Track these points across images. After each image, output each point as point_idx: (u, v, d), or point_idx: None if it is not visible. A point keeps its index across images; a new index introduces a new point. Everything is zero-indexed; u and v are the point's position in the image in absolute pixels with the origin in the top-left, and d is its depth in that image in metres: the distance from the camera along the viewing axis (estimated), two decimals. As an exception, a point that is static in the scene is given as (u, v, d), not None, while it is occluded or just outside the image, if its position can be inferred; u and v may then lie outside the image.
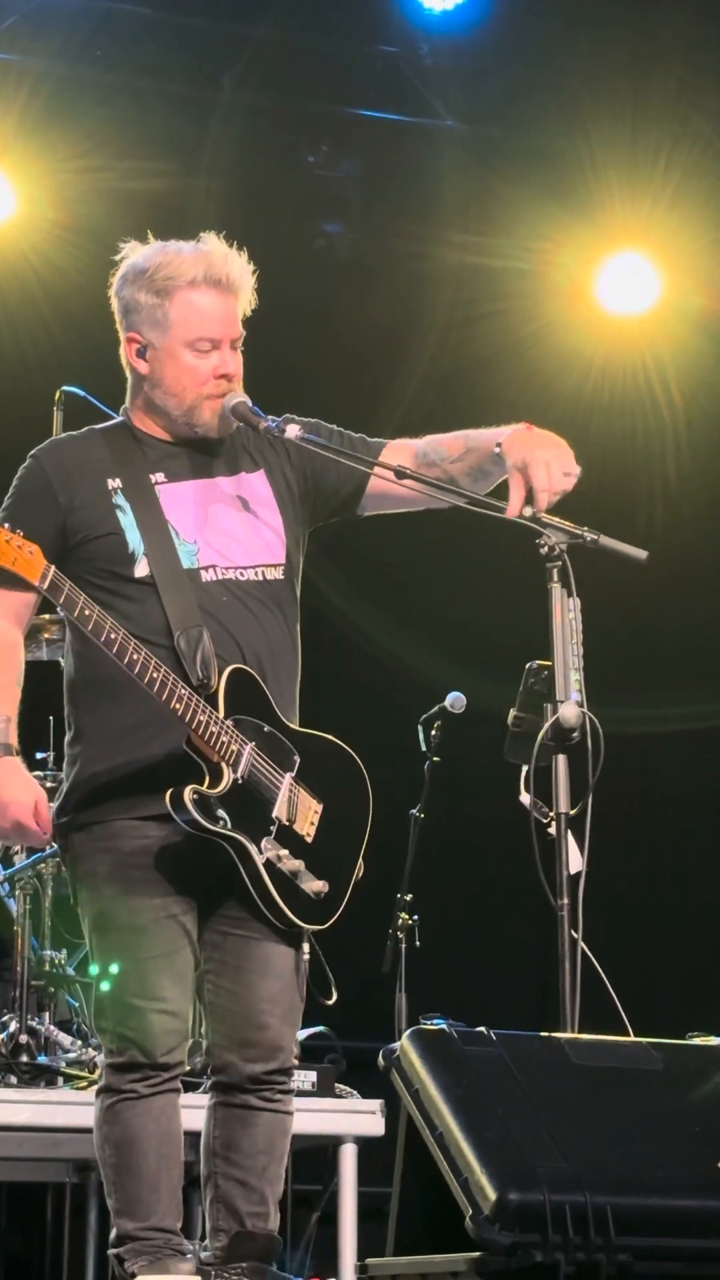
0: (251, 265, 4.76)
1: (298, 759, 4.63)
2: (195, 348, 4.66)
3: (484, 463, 4.76)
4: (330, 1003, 4.72)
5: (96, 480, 4.67)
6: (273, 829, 4.55)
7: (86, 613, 4.39)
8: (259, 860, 4.51)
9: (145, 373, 4.73)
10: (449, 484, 4.74)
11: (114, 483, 4.66)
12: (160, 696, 4.41)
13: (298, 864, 4.57)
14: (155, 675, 4.40)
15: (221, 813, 4.45)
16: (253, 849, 4.50)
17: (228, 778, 4.47)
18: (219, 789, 4.45)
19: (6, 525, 4.42)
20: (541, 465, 4.58)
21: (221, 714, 4.48)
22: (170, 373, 4.69)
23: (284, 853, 4.55)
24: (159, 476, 4.70)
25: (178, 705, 4.42)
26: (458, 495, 4.70)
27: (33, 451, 4.79)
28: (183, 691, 4.42)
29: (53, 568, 4.39)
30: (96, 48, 9.03)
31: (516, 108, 9.55)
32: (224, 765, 4.47)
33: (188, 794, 4.40)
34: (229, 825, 4.46)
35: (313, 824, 4.64)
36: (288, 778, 4.60)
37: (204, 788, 4.44)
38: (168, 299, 4.67)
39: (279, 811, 4.57)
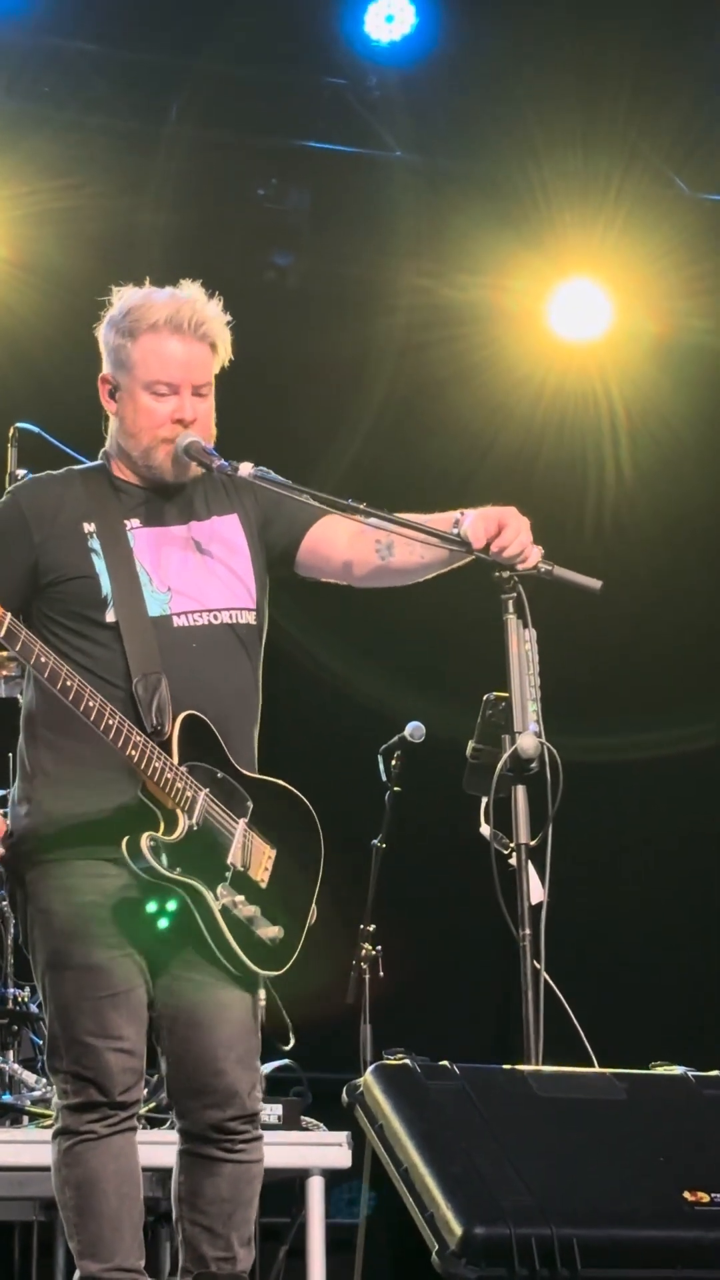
0: (227, 315, 4.77)
1: (251, 805, 4.62)
2: (153, 390, 4.68)
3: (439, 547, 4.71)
4: (287, 1048, 4.71)
5: (72, 522, 4.67)
6: (228, 875, 4.54)
7: (43, 660, 4.39)
8: (215, 907, 4.50)
9: (113, 412, 4.76)
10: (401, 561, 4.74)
11: (89, 526, 4.67)
12: (115, 744, 4.41)
13: (253, 910, 4.56)
14: (111, 722, 4.41)
15: (178, 860, 4.44)
16: (209, 895, 4.49)
17: (183, 824, 4.46)
18: (175, 836, 4.45)
19: None
20: (515, 526, 4.56)
21: (176, 760, 4.48)
22: (129, 413, 4.71)
23: (239, 899, 4.54)
24: (134, 522, 4.71)
25: (133, 752, 4.42)
26: (409, 528, 4.67)
27: (10, 488, 4.81)
28: (138, 738, 4.42)
29: (9, 615, 4.37)
30: (45, 84, 9.03)
31: (465, 137, 9.58)
32: (179, 812, 4.46)
33: (144, 842, 4.39)
34: (184, 872, 4.45)
35: (266, 869, 4.64)
36: (241, 823, 4.60)
37: (160, 834, 4.43)
38: (132, 340, 4.69)
39: (234, 857, 4.56)
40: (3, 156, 9.00)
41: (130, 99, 9.16)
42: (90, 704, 4.40)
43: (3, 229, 9.24)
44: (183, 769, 4.49)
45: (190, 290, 4.76)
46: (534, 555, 4.54)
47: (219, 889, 4.52)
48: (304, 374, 9.88)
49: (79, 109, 9.10)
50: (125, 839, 4.39)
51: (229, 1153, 4.57)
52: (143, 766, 4.43)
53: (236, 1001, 4.57)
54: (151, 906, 4.47)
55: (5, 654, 6.28)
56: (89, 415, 4.85)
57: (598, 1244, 3.64)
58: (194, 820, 4.48)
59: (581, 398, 10.18)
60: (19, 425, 6.96)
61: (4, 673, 6.64)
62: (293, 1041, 4.69)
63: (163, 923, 4.48)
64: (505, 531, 4.52)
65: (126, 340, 4.70)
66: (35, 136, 9.01)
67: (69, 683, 4.40)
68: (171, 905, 4.48)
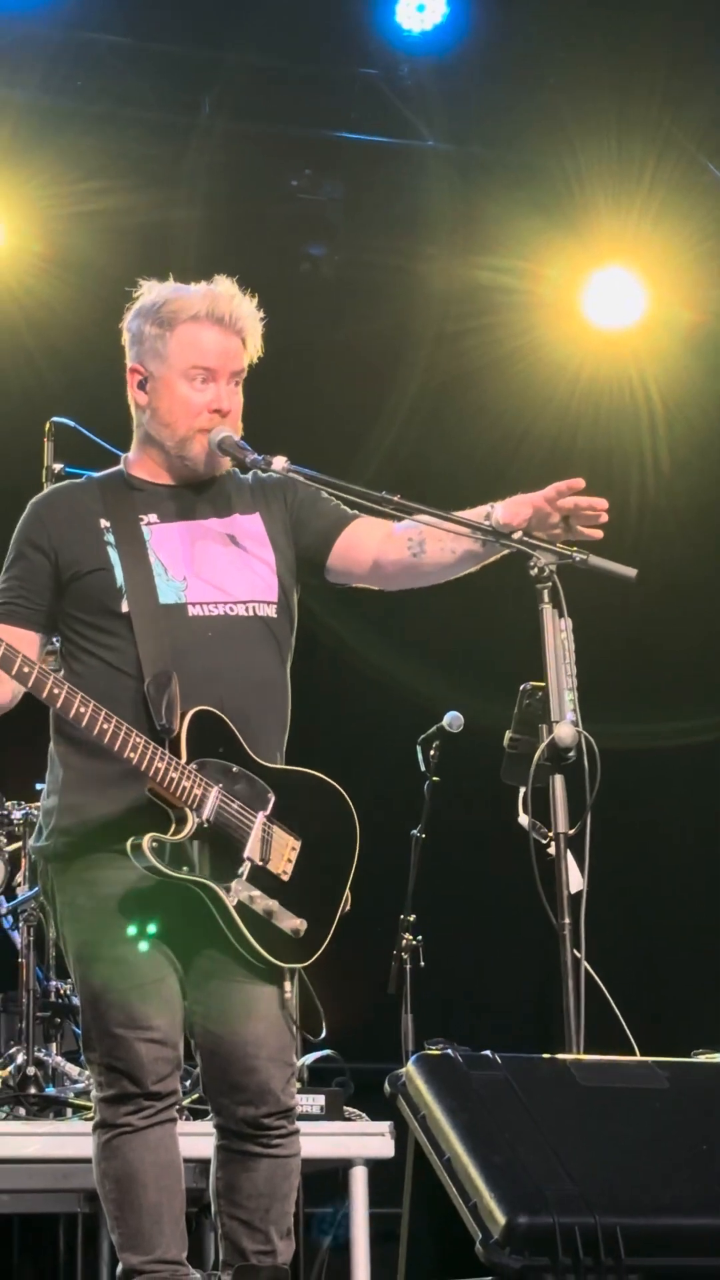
0: (261, 312, 4.78)
1: (273, 797, 4.61)
2: (191, 378, 4.69)
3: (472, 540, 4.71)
4: (317, 1040, 4.71)
5: (89, 520, 4.71)
6: (243, 870, 4.53)
7: (25, 670, 4.40)
8: (230, 903, 4.49)
9: (143, 404, 4.77)
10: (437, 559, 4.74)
11: (105, 523, 4.70)
12: (113, 748, 4.41)
13: (272, 903, 4.55)
14: (105, 727, 4.41)
15: (187, 858, 4.44)
16: (221, 892, 4.48)
17: (191, 823, 4.44)
18: (182, 834, 4.44)
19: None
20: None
21: (184, 759, 4.47)
22: (165, 403, 4.73)
23: (256, 893, 4.53)
24: (151, 518, 4.72)
25: (133, 754, 4.42)
26: (445, 519, 4.67)
27: (32, 500, 4.85)
28: (137, 740, 4.42)
29: None
30: (77, 78, 9.05)
31: (499, 125, 9.57)
32: (188, 810, 4.45)
33: (146, 843, 4.39)
34: (194, 870, 4.45)
35: (290, 861, 4.62)
36: (260, 817, 4.58)
37: (167, 834, 4.43)
38: (169, 330, 4.72)
39: (250, 852, 4.54)
40: (36, 152, 9.01)
41: (163, 93, 9.17)
42: (81, 710, 4.40)
43: (37, 225, 9.26)
44: (190, 767, 4.47)
45: (226, 285, 4.78)
46: (600, 503, 4.58)
47: (233, 885, 4.50)
48: (338, 364, 9.88)
49: (112, 103, 9.11)
50: (130, 841, 4.40)
51: (265, 1148, 4.57)
52: (144, 768, 4.43)
53: (266, 997, 4.57)
54: (131, 930, 4.49)
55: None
56: (124, 410, 4.87)
57: (641, 1232, 3.64)
58: (204, 818, 4.47)
59: (616, 386, 10.16)
60: (55, 420, 6.98)
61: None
62: (324, 1033, 4.69)
63: (143, 945, 4.49)
64: (539, 515, 4.53)
65: (164, 330, 4.72)
66: (68, 132, 9.03)
67: (56, 690, 4.41)
68: (151, 928, 4.49)
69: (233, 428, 4.72)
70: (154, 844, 4.39)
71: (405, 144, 9.62)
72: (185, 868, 4.44)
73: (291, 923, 4.57)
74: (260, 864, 4.56)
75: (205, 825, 4.47)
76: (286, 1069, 4.61)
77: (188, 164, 9.23)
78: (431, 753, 7.70)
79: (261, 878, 4.56)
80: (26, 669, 4.39)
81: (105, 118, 9.09)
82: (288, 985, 4.60)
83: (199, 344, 4.70)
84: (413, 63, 9.41)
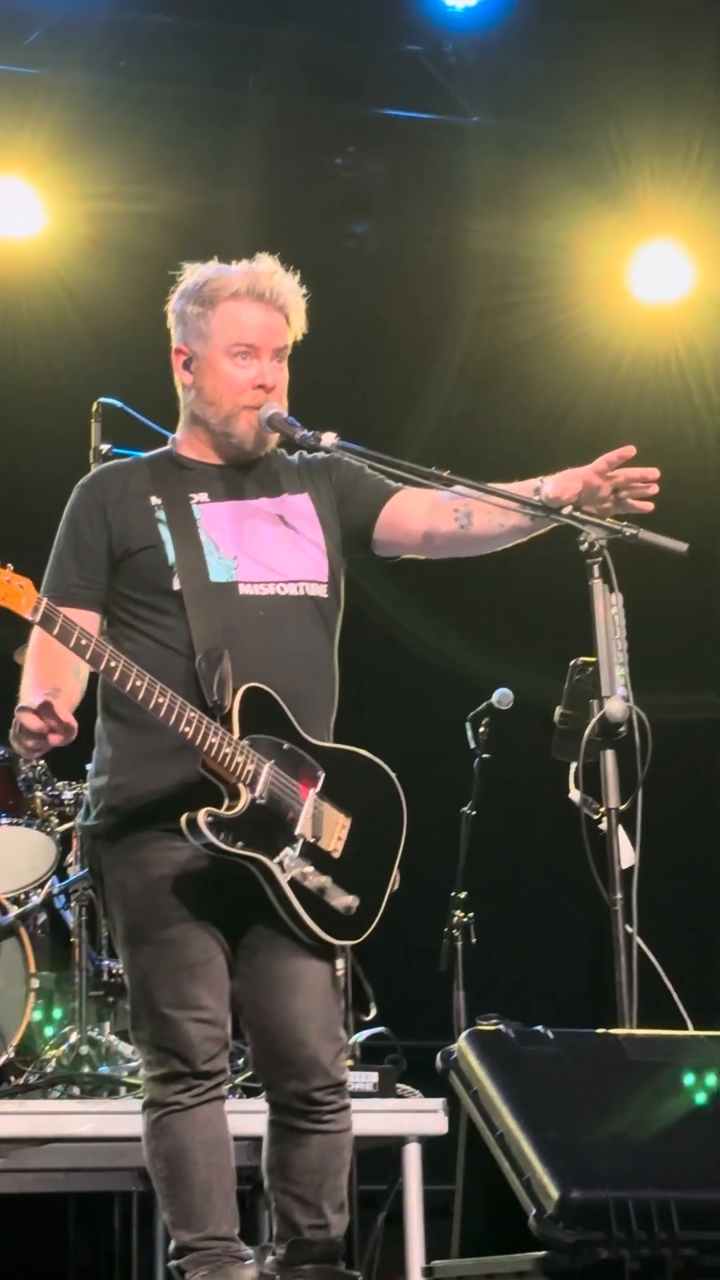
0: (303, 289, 4.78)
1: (322, 774, 4.61)
2: (234, 355, 4.69)
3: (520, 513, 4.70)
4: (368, 1019, 4.71)
5: (140, 498, 4.71)
6: (296, 847, 4.53)
7: (83, 643, 4.39)
8: (283, 879, 4.49)
9: (189, 384, 4.77)
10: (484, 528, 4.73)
11: (155, 500, 4.70)
12: (168, 721, 4.40)
13: (324, 880, 4.54)
14: (161, 700, 4.40)
15: (241, 834, 4.45)
16: (275, 868, 4.48)
17: (245, 798, 4.45)
18: (236, 810, 4.44)
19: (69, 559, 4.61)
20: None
21: (236, 735, 4.47)
22: (209, 381, 4.73)
23: (309, 870, 4.52)
24: (201, 496, 4.72)
25: (187, 729, 4.41)
26: (492, 495, 4.66)
27: (81, 481, 4.85)
28: (191, 715, 4.41)
29: (44, 600, 4.37)
30: (121, 58, 9.06)
31: (543, 100, 9.54)
32: (241, 786, 4.45)
33: (201, 817, 4.39)
34: (248, 845, 4.45)
35: (340, 838, 4.62)
36: (311, 793, 4.58)
37: (220, 810, 4.44)
38: (211, 309, 4.72)
39: (302, 829, 4.54)
40: (81, 133, 9.01)
41: (207, 72, 9.18)
42: (138, 684, 4.39)
43: (82, 206, 9.27)
44: (243, 743, 4.47)
45: (267, 263, 4.78)
46: (652, 473, 4.55)
47: (286, 861, 4.50)
48: (383, 341, 9.88)
49: (156, 83, 9.12)
50: (184, 816, 4.39)
51: (316, 1123, 4.56)
52: (199, 743, 4.42)
53: (314, 971, 4.56)
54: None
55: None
56: (169, 390, 4.87)
57: (695, 1207, 3.65)
58: (257, 794, 4.47)
59: (662, 361, 10.10)
60: (102, 400, 6.99)
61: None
62: (374, 1012, 4.69)
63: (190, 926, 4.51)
64: (588, 490, 4.52)
65: (206, 309, 4.72)
66: (111, 112, 9.03)
67: (113, 663, 4.40)
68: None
69: (278, 403, 4.72)
70: (209, 819, 4.39)
71: (449, 120, 9.60)
72: (240, 843, 4.44)
73: (344, 900, 4.57)
74: (312, 840, 4.56)
75: (258, 801, 4.47)
76: (336, 1043, 4.60)
77: (230, 142, 9.23)
78: (481, 730, 7.69)
79: (313, 854, 4.56)
80: (85, 641, 4.39)
81: (149, 98, 9.10)
82: (339, 963, 4.60)
83: (240, 321, 4.70)
84: (456, 39, 9.41)
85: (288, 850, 4.52)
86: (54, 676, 4.54)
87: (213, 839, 4.39)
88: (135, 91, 9.11)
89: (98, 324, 9.13)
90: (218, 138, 9.29)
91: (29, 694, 4.50)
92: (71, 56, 8.98)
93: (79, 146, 9.04)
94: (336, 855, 4.61)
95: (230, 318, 4.70)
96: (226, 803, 4.44)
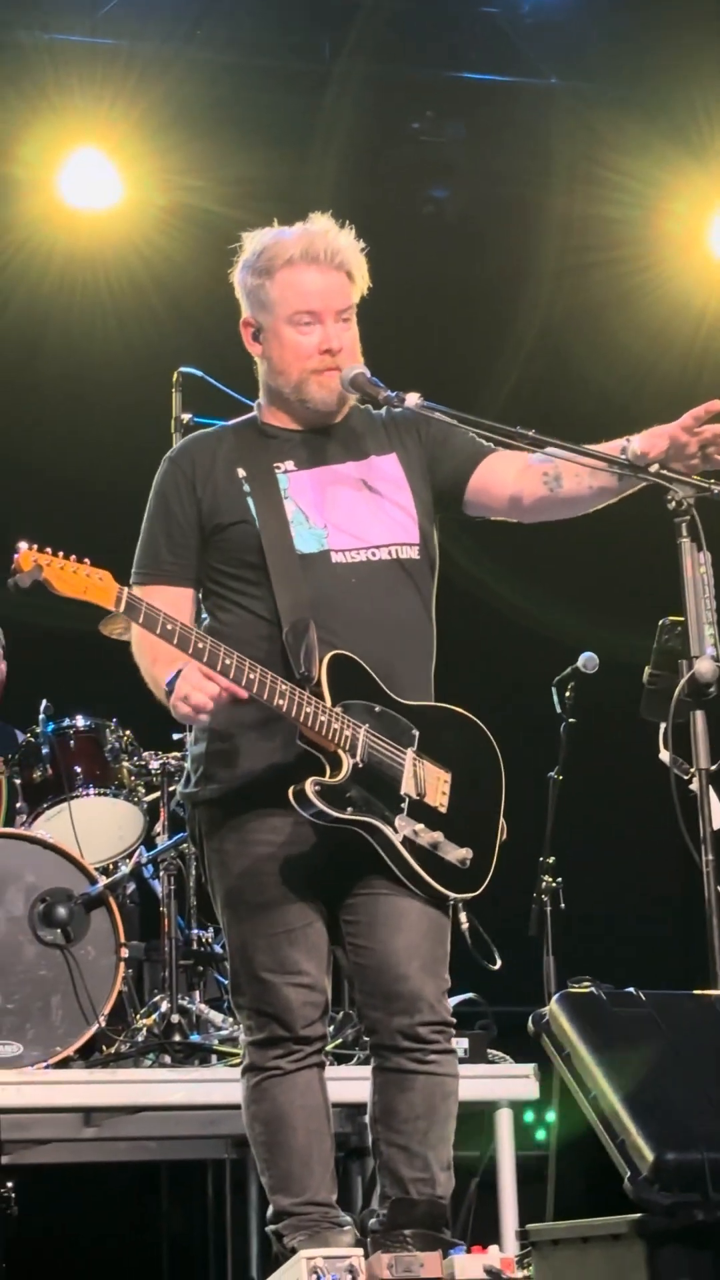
0: (361, 242, 4.74)
1: (416, 733, 4.59)
2: (296, 323, 4.66)
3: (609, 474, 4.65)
4: (495, 967, 4.69)
5: (227, 470, 4.70)
6: (404, 806, 4.54)
7: (169, 628, 4.40)
8: (396, 839, 4.50)
9: (259, 354, 4.76)
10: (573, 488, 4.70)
11: (242, 472, 4.69)
12: (262, 696, 4.41)
13: (436, 835, 4.56)
14: (252, 676, 4.41)
15: (348, 799, 4.45)
16: (387, 829, 4.49)
17: (347, 764, 4.45)
18: (340, 777, 4.44)
19: (161, 544, 4.64)
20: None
21: (329, 702, 4.47)
22: (276, 351, 4.71)
23: (419, 827, 4.53)
24: (287, 465, 4.71)
25: (281, 702, 4.41)
26: (580, 453, 4.61)
27: (167, 454, 4.84)
28: (283, 687, 4.41)
29: (126, 590, 4.39)
30: (197, 27, 9.04)
31: (621, 60, 9.48)
32: (341, 753, 4.45)
33: (309, 787, 4.40)
34: (357, 810, 4.46)
35: (444, 794, 4.61)
36: (409, 753, 4.57)
37: (325, 778, 4.44)
38: (269, 279, 4.69)
39: (406, 788, 4.55)
40: (159, 104, 9.02)
41: (284, 39, 9.19)
42: (228, 662, 4.39)
43: (159, 177, 9.28)
44: (337, 709, 4.47)
45: (321, 222, 4.73)
46: None
47: (397, 821, 4.51)
48: (463, 304, 9.84)
49: (233, 51, 9.11)
50: (291, 789, 4.40)
51: (420, 1063, 4.53)
52: (294, 714, 4.42)
53: (416, 912, 4.55)
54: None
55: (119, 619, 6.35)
56: (247, 358, 4.85)
57: (791, 1167, 3.61)
58: (358, 758, 4.47)
59: (745, 322, 10.06)
60: (182, 370, 6.99)
61: (116, 631, 6.73)
62: (499, 962, 4.68)
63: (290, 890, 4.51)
64: (676, 446, 4.47)
65: (264, 279, 4.69)
66: (189, 81, 9.04)
67: (200, 644, 4.40)
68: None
69: (351, 361, 4.68)
70: (316, 788, 4.40)
71: (526, 82, 9.57)
72: (349, 809, 4.45)
73: (457, 853, 4.58)
74: (417, 798, 4.57)
75: (359, 765, 4.47)
76: (440, 981, 4.58)
77: (308, 109, 9.23)
78: (567, 694, 7.67)
79: (421, 812, 4.57)
80: (170, 626, 4.40)
81: (227, 67, 9.11)
82: (462, 916, 4.60)
83: (299, 287, 4.66)
84: (533, 0, 9.35)
85: (398, 810, 4.52)
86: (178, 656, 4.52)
87: (323, 807, 4.40)
88: (213, 61, 9.11)
89: (176, 294, 9.15)
90: (295, 106, 9.28)
91: (166, 668, 4.47)
92: (148, 27, 8.99)
93: (156, 117, 9.05)
94: (443, 810, 4.61)
95: (288, 285, 4.67)
96: (329, 770, 4.44)
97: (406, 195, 9.73)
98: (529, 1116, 7.42)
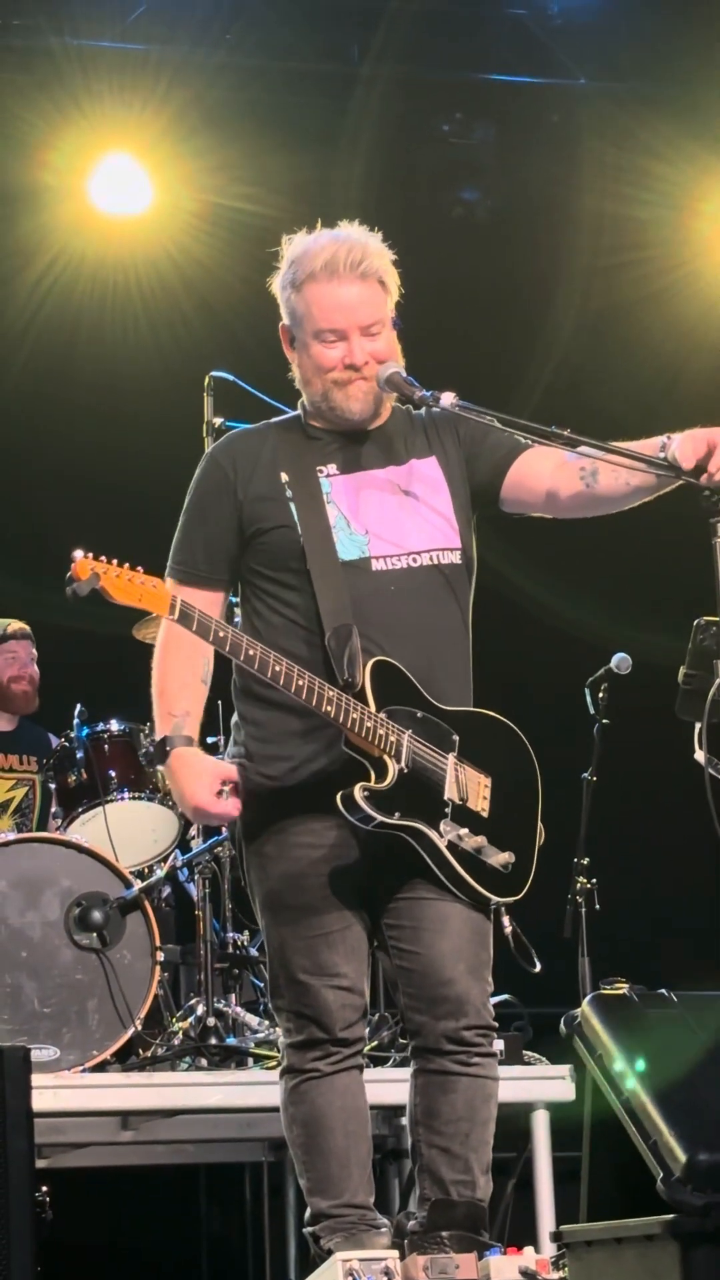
0: (390, 245, 4.73)
1: (457, 738, 4.60)
2: (322, 339, 4.66)
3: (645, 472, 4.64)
4: (536, 970, 4.69)
5: (270, 473, 4.69)
6: (448, 811, 4.55)
7: (221, 635, 4.42)
8: (441, 844, 4.51)
9: (294, 361, 4.76)
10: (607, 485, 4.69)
11: (285, 476, 4.68)
12: (310, 703, 4.42)
13: (480, 840, 4.57)
14: (301, 683, 4.42)
15: (395, 804, 4.46)
16: (433, 834, 4.50)
17: (392, 770, 4.46)
18: (386, 782, 4.45)
19: (190, 548, 4.67)
20: None
21: (373, 708, 4.48)
22: (305, 363, 4.71)
23: (464, 831, 4.54)
24: (330, 468, 4.70)
25: (329, 708, 4.42)
26: (618, 452, 4.59)
27: (209, 450, 4.84)
28: (330, 694, 4.43)
29: (180, 598, 4.40)
30: (226, 32, 9.06)
31: (649, 60, 9.48)
32: (386, 758, 4.46)
33: (358, 793, 4.41)
34: (404, 815, 4.46)
35: (485, 798, 4.63)
36: (450, 758, 4.58)
37: (371, 784, 4.45)
38: (297, 293, 4.68)
39: (450, 793, 4.55)
40: (189, 109, 9.04)
41: (313, 43, 9.20)
42: (277, 669, 4.41)
43: (190, 181, 9.30)
44: (381, 715, 4.48)
45: (348, 230, 4.71)
46: None
47: (441, 825, 4.52)
48: (496, 305, 9.84)
49: (262, 55, 9.13)
50: (340, 794, 4.41)
51: (464, 1066, 4.53)
52: (341, 720, 4.43)
53: (460, 916, 4.55)
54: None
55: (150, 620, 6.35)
56: (279, 363, 4.85)
57: None
58: (403, 763, 4.48)
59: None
60: (214, 374, 7.01)
61: (152, 635, 6.74)
62: (539, 966, 4.68)
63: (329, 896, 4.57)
64: (717, 453, 4.44)
65: (293, 293, 4.68)
66: (219, 86, 9.06)
67: (251, 651, 4.41)
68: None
69: (381, 369, 4.64)
70: (364, 793, 4.42)
71: (556, 83, 9.57)
72: (396, 813, 4.46)
73: (500, 857, 4.60)
74: (460, 803, 4.58)
75: (404, 771, 4.48)
76: (484, 985, 4.59)
77: (338, 113, 9.24)
78: (600, 695, 7.66)
79: (465, 816, 4.58)
80: (222, 633, 4.42)
81: (256, 71, 9.13)
82: (505, 920, 4.61)
83: (322, 304, 4.63)
84: (562, 1, 9.35)
85: (442, 815, 4.53)
86: (184, 689, 4.60)
87: (371, 812, 4.41)
88: (242, 65, 9.13)
89: (207, 298, 9.17)
90: (324, 109, 9.29)
91: (164, 724, 4.59)
92: (177, 32, 9.01)
93: (185, 121, 9.08)
94: (485, 815, 4.62)
95: (313, 301, 4.64)
96: (374, 776, 4.46)
97: (436, 197, 9.74)
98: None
